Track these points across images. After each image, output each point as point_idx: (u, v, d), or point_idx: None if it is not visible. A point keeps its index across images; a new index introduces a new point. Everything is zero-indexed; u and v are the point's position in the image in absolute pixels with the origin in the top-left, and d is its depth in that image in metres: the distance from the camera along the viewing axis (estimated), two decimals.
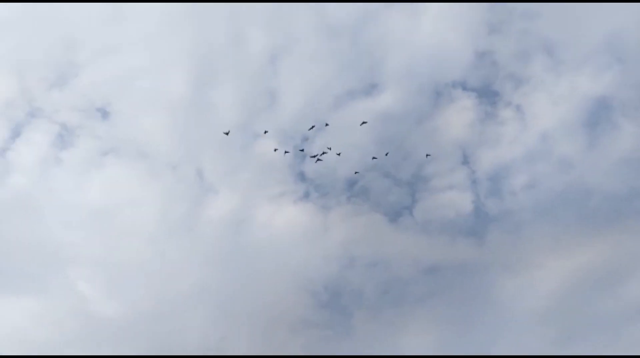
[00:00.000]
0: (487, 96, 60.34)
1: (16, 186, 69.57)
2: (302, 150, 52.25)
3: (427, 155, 50.01)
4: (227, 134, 48.63)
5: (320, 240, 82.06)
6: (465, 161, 61.80)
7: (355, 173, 53.14)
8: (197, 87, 74.12)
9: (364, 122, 46.45)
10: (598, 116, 56.70)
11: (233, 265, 77.74)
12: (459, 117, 65.15)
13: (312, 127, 48.23)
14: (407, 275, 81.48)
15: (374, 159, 49.92)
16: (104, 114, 75.76)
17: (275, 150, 51.54)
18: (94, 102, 75.53)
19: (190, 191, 79.35)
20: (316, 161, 47.21)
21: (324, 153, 45.87)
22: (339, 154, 45.67)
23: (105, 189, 75.84)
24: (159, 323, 69.28)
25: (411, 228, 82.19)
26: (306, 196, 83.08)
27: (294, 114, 71.41)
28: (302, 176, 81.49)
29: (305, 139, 55.62)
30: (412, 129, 68.23)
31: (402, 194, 65.78)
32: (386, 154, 49.64)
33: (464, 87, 61.68)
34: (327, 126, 46.72)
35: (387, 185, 71.45)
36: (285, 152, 50.69)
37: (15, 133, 71.32)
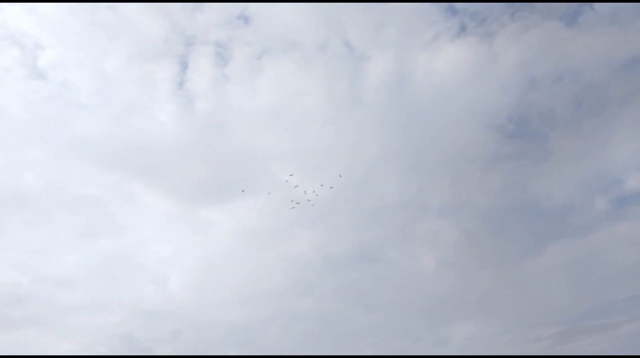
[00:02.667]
0: None
1: (203, 110, 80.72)
2: None
3: None
4: None
5: (491, 71, 73.74)
6: None
7: None
8: None
9: None
10: None
11: (408, 123, 77.75)
12: None
13: None
14: (601, 79, 67.52)
15: None
16: (245, 19, 78.21)
17: None
18: (233, 12, 78.04)
19: (345, 65, 79.37)
20: None
21: None
22: None
23: (272, 88, 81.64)
24: (359, 191, 76.24)
25: (596, 25, 65.18)
26: (462, 30, 72.20)
27: None
28: (452, 10, 69.82)
29: None
30: None
31: None
32: None
33: None
34: None
35: None
36: None
37: (183, 65, 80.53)
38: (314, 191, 46.52)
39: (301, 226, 74.05)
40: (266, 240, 74.50)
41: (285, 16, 78.40)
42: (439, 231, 72.04)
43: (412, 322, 63.17)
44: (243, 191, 68.50)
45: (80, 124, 75.70)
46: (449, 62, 76.51)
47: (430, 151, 76.51)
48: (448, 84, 76.20)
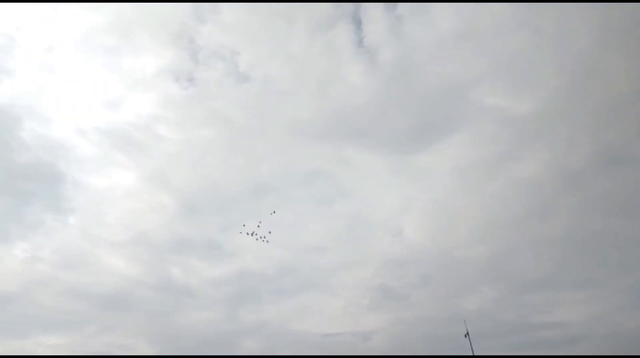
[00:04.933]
0: None
1: (386, 59, 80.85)
2: None
3: None
4: None
5: None
6: None
7: None
8: None
9: None
10: None
11: None
12: None
13: None
14: None
15: None
16: None
17: None
18: None
19: None
20: None
21: None
22: None
23: (450, 13, 75.54)
24: (585, 87, 66.31)
25: None
26: None
27: None
28: None
29: None
30: None
31: None
32: None
33: None
34: None
35: None
36: None
37: (357, 23, 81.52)
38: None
39: (524, 146, 69.70)
40: (489, 170, 71.83)
41: None
42: None
43: None
44: (449, 126, 67.51)
45: (288, 109, 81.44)
46: None
47: None
48: None
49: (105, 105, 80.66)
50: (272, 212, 46.71)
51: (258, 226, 46.92)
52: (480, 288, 63.09)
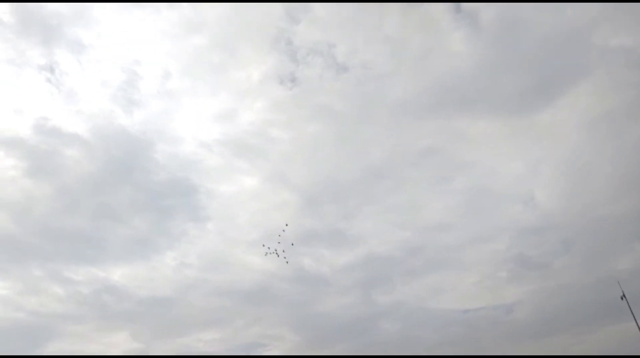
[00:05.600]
0: None
1: (488, 19, 77.42)
2: None
3: None
4: None
5: None
6: None
7: None
8: None
9: None
10: None
11: None
12: None
13: None
14: None
15: None
16: None
17: None
18: None
19: None
20: None
21: None
22: None
23: None
24: None
25: None
26: None
27: None
28: None
29: None
30: None
31: None
32: None
33: None
34: None
35: None
36: None
37: None
38: None
39: None
40: (622, 118, 65.93)
41: None
42: None
43: None
44: (570, 77, 64.89)
45: (390, 91, 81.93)
46: None
47: None
48: None
49: (221, 118, 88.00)
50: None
51: (278, 243, 45.50)
52: (633, 245, 57.34)
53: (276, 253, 45.22)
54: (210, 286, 72.65)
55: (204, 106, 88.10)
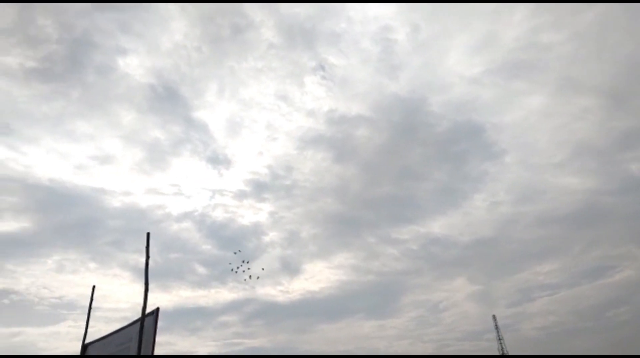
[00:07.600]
0: None
1: None
2: None
3: None
4: None
5: None
6: None
7: None
8: None
9: None
10: None
11: None
12: None
13: None
14: None
15: None
16: None
17: None
18: None
19: None
20: None
21: None
22: None
23: None
24: None
25: None
26: None
27: None
28: None
29: None
30: None
31: None
32: None
33: None
34: None
35: None
36: None
37: None
38: None
39: None
40: None
41: None
42: None
43: None
44: None
45: None
46: None
47: None
48: None
49: (478, 49, 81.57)
50: None
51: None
52: None
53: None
54: (530, 218, 72.44)
55: (458, 45, 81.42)
